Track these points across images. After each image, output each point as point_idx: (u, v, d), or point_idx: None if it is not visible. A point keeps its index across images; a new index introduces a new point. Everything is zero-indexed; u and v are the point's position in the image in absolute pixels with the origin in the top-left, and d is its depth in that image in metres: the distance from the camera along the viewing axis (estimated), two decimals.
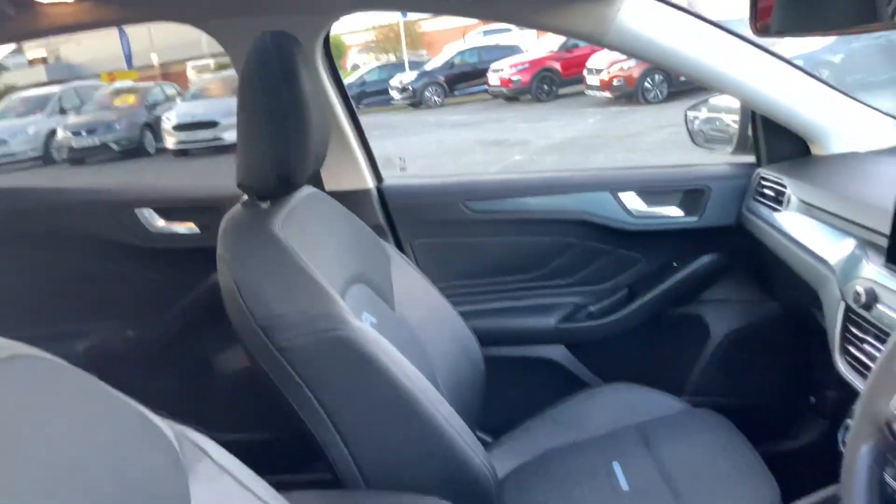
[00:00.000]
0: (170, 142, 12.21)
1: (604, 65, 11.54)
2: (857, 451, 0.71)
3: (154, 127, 12.99)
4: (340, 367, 1.04)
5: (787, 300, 1.61)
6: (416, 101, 15.41)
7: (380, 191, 1.72)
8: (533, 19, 1.47)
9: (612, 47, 1.45)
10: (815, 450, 1.56)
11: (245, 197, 1.16)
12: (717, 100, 1.70)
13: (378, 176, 1.74)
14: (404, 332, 1.31)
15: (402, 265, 1.42)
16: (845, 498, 0.71)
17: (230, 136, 11.30)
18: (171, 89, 14.93)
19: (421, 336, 1.35)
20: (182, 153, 12.15)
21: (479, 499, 1.11)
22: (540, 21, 1.48)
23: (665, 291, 1.69)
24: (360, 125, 1.71)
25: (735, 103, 1.61)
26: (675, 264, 1.70)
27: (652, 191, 1.67)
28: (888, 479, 0.75)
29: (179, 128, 12.02)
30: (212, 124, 11.58)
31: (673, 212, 1.66)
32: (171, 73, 19.89)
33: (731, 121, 1.67)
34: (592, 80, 12.01)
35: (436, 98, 15.42)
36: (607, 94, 11.66)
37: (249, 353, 1.07)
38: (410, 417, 1.05)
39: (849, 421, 0.97)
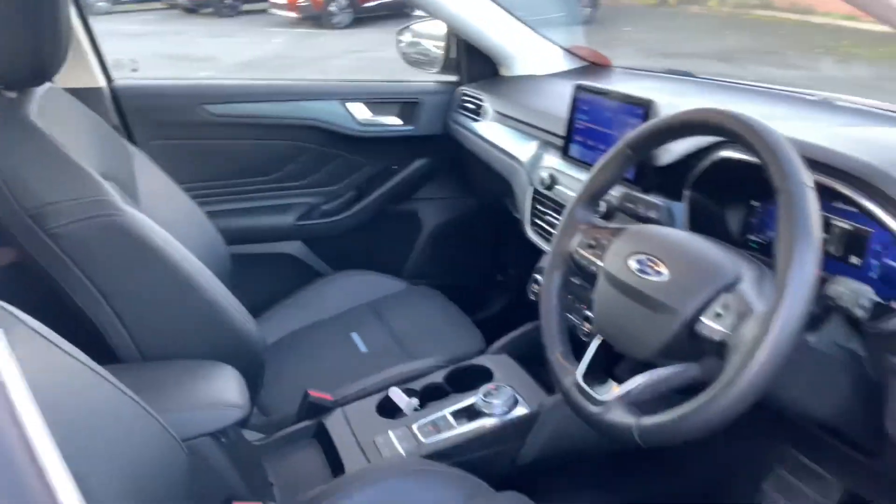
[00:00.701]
0: None
1: None
2: (551, 278, 1.01)
3: None
4: (117, 250, 1.09)
5: (484, 195, 1.96)
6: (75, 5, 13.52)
7: (112, 90, 1.68)
8: None
9: None
10: (505, 313, 1.97)
11: None
12: (419, 26, 1.94)
13: (108, 75, 1.69)
14: None
15: (145, 164, 1.44)
16: (543, 321, 1.00)
17: None
18: None
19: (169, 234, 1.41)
20: None
21: (251, 363, 1.25)
22: None
23: (387, 191, 1.94)
24: (88, 22, 1.64)
25: (434, 30, 1.87)
26: (394, 167, 1.95)
27: (375, 101, 1.87)
28: (570, 317, 1.08)
29: None
30: None
31: (393, 121, 1.89)
32: None
33: (432, 45, 1.94)
34: None
35: (101, 3, 13.72)
36: (293, 15, 11.41)
37: (18, 244, 1.06)
38: (188, 293, 1.14)
39: (536, 276, 1.31)
